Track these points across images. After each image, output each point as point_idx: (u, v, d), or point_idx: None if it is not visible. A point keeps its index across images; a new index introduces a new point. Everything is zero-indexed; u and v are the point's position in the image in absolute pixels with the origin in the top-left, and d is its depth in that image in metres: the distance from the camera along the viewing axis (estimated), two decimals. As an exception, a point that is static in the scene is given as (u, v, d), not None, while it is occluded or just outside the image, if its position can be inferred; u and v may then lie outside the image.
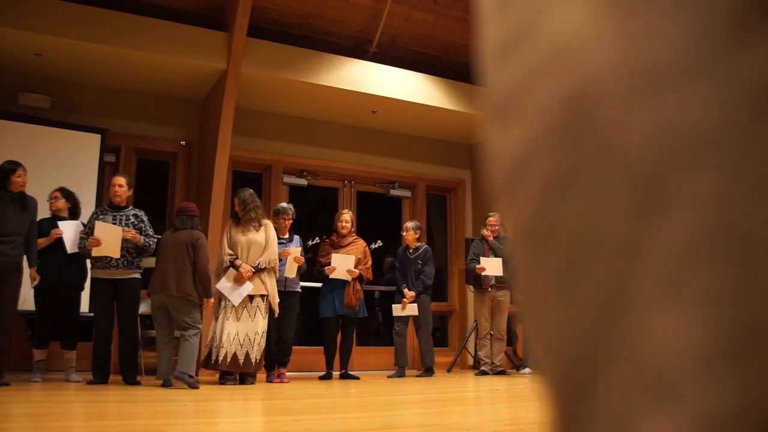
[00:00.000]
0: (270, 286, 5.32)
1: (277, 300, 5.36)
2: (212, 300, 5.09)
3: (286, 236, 5.78)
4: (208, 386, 5.14)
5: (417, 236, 6.51)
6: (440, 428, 2.81)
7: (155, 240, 5.21)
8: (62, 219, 5.32)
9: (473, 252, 6.72)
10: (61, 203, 5.37)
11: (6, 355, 4.78)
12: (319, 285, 6.20)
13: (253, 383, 5.23)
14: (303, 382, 5.68)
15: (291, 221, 5.81)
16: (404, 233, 6.57)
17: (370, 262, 6.17)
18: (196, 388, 4.68)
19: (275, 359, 5.55)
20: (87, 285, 5.42)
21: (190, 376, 4.76)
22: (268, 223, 5.49)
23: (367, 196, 7.92)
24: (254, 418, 3.42)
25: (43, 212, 5.31)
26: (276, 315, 5.37)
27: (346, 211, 6.29)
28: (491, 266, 6.51)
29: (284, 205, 5.91)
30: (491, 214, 6.89)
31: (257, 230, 5.38)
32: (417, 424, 3.06)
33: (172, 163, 6.91)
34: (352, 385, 5.32)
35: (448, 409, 3.68)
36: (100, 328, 5.05)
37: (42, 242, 5.09)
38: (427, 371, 6.37)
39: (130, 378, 4.99)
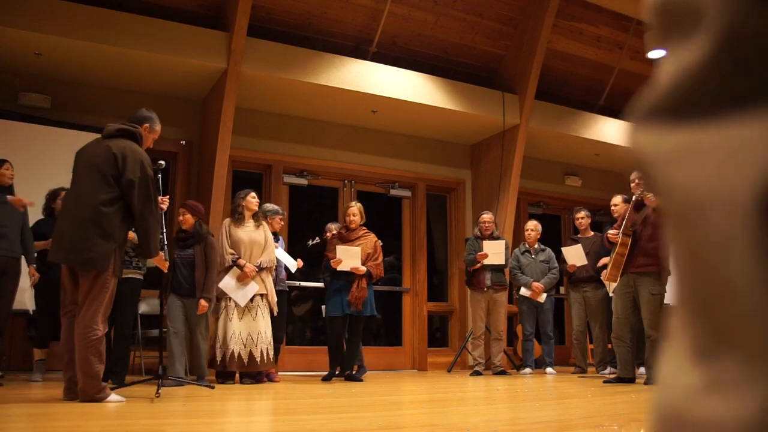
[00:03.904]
0: (269, 285, 5.38)
1: (275, 299, 5.40)
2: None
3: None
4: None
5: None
6: (440, 428, 2.81)
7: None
8: None
9: (470, 249, 6.71)
10: None
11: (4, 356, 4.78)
12: (321, 285, 6.14)
13: (252, 383, 5.24)
14: (304, 382, 5.68)
15: (265, 220, 5.74)
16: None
17: (381, 258, 5.82)
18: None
19: None
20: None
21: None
22: (265, 224, 5.56)
23: (367, 196, 7.91)
24: (254, 417, 3.42)
25: (36, 213, 5.33)
26: (275, 314, 5.40)
27: (354, 203, 5.97)
28: (493, 251, 6.46)
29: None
30: (484, 213, 6.89)
31: (257, 228, 5.43)
32: (417, 424, 3.06)
33: (172, 163, 6.91)
34: (353, 385, 5.32)
35: (448, 409, 3.68)
36: None
37: (43, 244, 5.08)
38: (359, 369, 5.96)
39: (117, 379, 4.84)
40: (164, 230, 4.03)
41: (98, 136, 6.18)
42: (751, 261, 0.26)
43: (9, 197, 4.84)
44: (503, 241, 6.59)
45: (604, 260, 5.77)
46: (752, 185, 0.25)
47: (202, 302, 5.09)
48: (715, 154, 0.27)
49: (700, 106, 0.28)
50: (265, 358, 5.23)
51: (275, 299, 5.40)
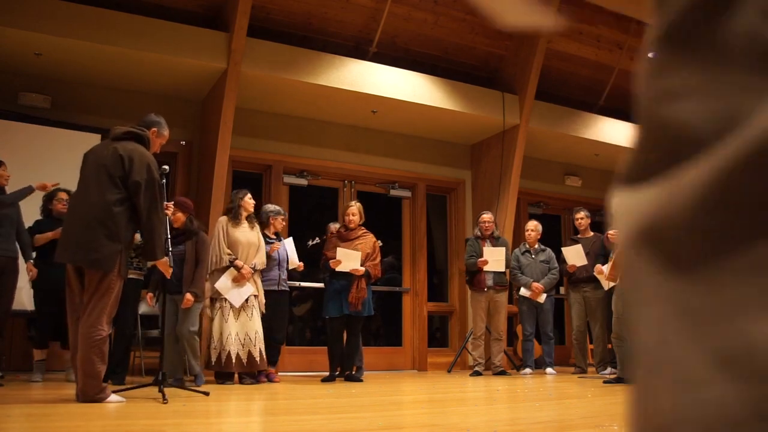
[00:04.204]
0: (260, 285, 5.46)
1: (264, 300, 5.46)
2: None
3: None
4: (208, 386, 5.14)
5: None
6: (440, 428, 2.82)
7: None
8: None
9: (470, 251, 6.71)
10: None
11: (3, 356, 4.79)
12: (321, 285, 6.14)
13: (253, 383, 5.24)
14: (304, 382, 5.68)
15: (258, 221, 5.77)
16: None
17: (379, 259, 5.88)
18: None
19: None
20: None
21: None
22: (257, 225, 5.63)
23: (367, 196, 7.91)
24: (255, 418, 3.42)
25: (35, 213, 5.33)
26: (262, 314, 5.42)
27: (353, 203, 6.01)
28: (493, 258, 6.48)
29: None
30: (484, 213, 6.89)
31: (251, 229, 5.47)
32: (417, 424, 3.06)
33: (172, 163, 6.91)
34: (353, 385, 5.32)
35: (448, 409, 3.68)
36: None
37: (47, 236, 5.09)
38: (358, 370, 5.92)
39: (117, 378, 4.88)
40: (168, 236, 4.03)
41: (98, 136, 6.23)
42: (644, 275, 0.39)
43: (35, 183, 4.96)
44: (503, 248, 6.58)
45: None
46: (637, 227, 0.39)
47: (188, 296, 4.97)
48: (629, 210, 0.41)
49: (633, 177, 0.41)
50: (264, 357, 5.30)
51: (264, 300, 5.45)
